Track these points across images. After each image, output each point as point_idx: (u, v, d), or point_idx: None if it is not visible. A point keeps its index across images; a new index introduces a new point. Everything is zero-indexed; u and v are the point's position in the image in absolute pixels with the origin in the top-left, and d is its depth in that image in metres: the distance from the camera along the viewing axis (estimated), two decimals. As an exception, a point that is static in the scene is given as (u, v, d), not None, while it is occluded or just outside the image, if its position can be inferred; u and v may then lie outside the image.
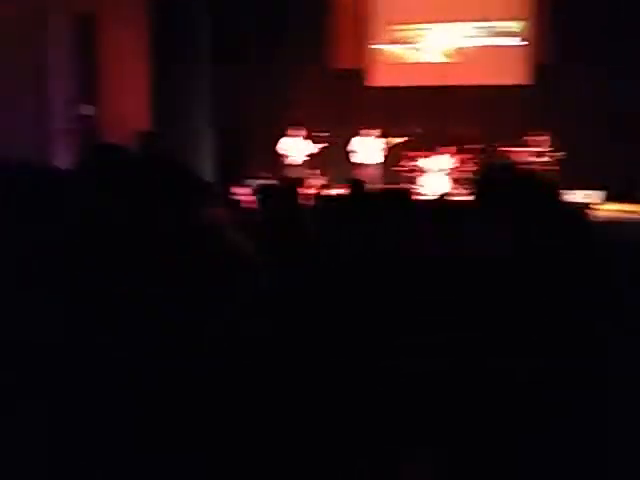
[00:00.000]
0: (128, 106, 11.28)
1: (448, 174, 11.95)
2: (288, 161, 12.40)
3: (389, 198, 3.82)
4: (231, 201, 5.48)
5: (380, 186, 11.07)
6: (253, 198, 4.44)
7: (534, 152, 11.37)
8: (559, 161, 11.22)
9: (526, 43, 13.05)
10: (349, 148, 12.44)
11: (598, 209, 9.84)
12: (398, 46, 13.91)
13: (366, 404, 1.93)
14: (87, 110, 11.19)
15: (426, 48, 13.77)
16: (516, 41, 13.14)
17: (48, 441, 1.09)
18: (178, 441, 1.22)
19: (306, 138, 12.49)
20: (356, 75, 13.89)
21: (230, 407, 1.30)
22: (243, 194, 7.17)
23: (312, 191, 7.75)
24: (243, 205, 5.26)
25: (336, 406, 1.87)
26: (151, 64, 11.56)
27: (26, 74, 10.13)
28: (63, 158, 9.70)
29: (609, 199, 10.59)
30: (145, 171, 1.51)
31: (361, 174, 12.12)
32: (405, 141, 12.34)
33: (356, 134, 12.46)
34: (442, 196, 6.08)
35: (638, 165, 11.40)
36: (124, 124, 11.01)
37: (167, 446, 1.20)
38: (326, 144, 12.31)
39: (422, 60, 13.74)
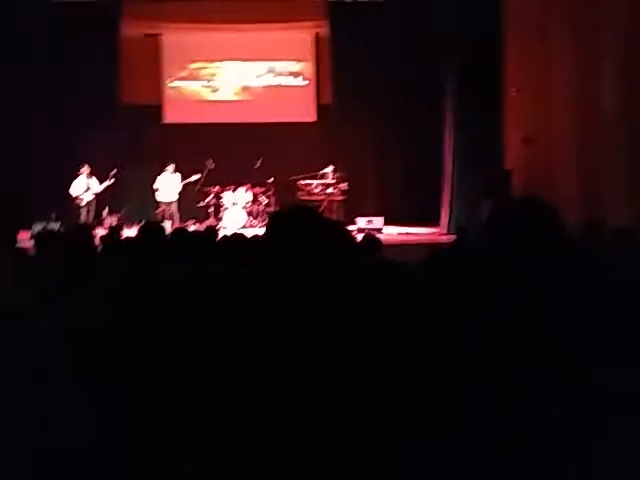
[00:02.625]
0: None
1: (244, 208, 12.21)
2: (79, 201, 11.77)
3: (194, 241, 3.67)
4: (16, 247, 5.04)
5: (182, 225, 11.03)
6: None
7: (322, 185, 12.31)
8: (343, 192, 12.35)
9: (307, 82, 14.10)
10: (154, 186, 12.10)
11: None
12: (193, 83, 14.21)
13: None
14: None
15: (219, 86, 14.24)
16: (299, 81, 14.16)
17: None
18: None
19: (98, 176, 11.96)
20: (152, 112, 13.70)
21: None
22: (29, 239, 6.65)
23: (102, 232, 7.37)
24: (30, 251, 4.85)
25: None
26: None
27: None
28: None
29: (387, 223, 11.74)
30: None
31: (160, 212, 11.89)
32: (202, 177, 12.31)
33: (152, 171, 12.16)
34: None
35: (411, 191, 12.93)
36: None
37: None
38: (116, 181, 11.95)
39: (216, 98, 14.21)
